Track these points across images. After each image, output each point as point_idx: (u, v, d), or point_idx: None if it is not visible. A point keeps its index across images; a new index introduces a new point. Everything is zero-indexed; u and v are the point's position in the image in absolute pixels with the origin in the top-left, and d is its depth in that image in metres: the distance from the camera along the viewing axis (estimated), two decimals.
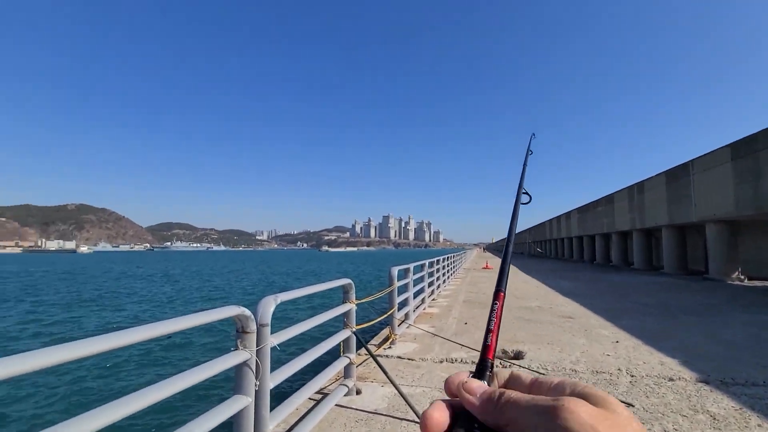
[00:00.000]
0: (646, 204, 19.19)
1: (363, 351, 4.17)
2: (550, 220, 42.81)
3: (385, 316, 5.07)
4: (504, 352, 4.81)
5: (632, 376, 3.86)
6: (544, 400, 0.24)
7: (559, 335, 5.66)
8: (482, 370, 0.35)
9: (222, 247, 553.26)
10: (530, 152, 0.93)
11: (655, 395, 3.38)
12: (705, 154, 14.39)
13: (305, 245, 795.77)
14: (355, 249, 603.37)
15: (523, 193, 0.66)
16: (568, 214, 35.09)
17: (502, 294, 0.42)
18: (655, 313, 7.40)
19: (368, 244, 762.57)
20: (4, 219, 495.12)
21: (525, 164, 0.80)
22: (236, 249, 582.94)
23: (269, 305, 2.17)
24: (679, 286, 12.55)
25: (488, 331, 0.39)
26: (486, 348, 0.38)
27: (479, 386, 0.30)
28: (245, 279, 32.55)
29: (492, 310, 0.41)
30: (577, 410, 0.22)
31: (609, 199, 24.32)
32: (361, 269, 45.25)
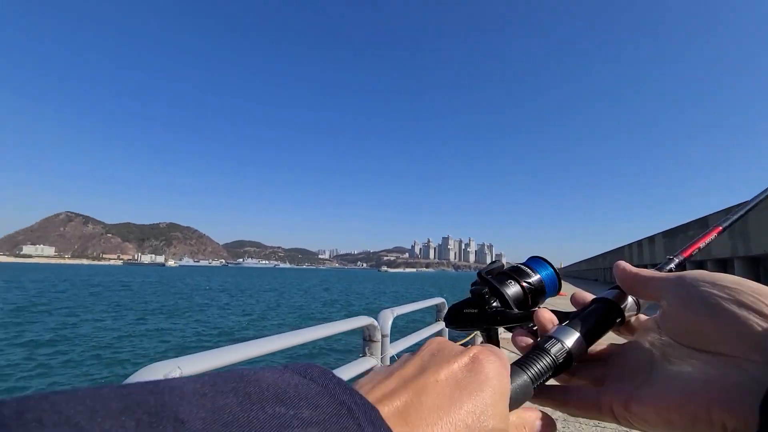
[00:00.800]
0: (750, 228, 16.95)
1: None
2: (630, 245, 39.12)
3: (469, 338, 5.17)
4: None
5: None
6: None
7: None
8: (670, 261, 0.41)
9: (288, 265, 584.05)
10: None
11: None
12: None
13: (365, 265, 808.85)
14: (414, 270, 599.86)
15: None
16: (651, 238, 31.87)
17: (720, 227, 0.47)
18: None
19: (427, 266, 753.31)
20: (110, 235, 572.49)
21: None
22: (300, 267, 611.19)
23: (388, 317, 2.48)
24: None
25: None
26: (692, 245, 0.44)
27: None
28: (324, 295, 34.07)
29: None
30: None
31: (702, 223, 21.77)
32: (425, 291, 44.97)
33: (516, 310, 0.41)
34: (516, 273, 0.44)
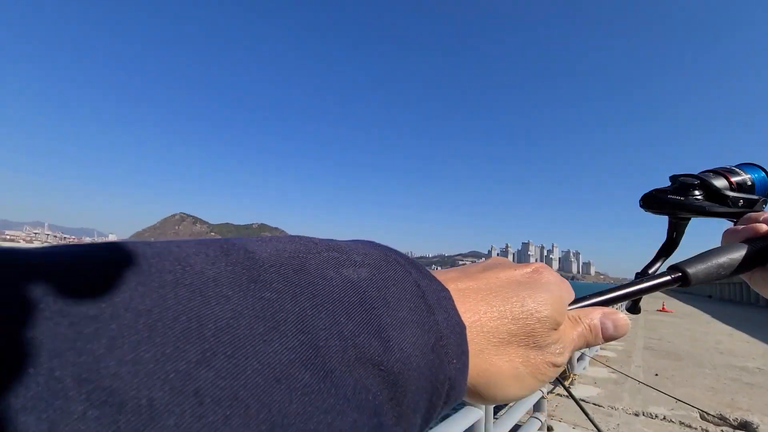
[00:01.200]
0: None
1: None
2: None
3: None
4: (722, 418, 4.01)
5: None
6: None
7: None
8: None
9: None
10: None
11: None
12: None
13: (439, 269, 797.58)
14: None
15: None
16: None
17: None
18: None
19: None
20: (213, 234, 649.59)
21: None
22: None
23: None
24: None
25: None
26: None
27: None
28: None
29: None
30: None
31: None
32: None
33: (723, 207, 0.42)
34: (725, 171, 0.45)
